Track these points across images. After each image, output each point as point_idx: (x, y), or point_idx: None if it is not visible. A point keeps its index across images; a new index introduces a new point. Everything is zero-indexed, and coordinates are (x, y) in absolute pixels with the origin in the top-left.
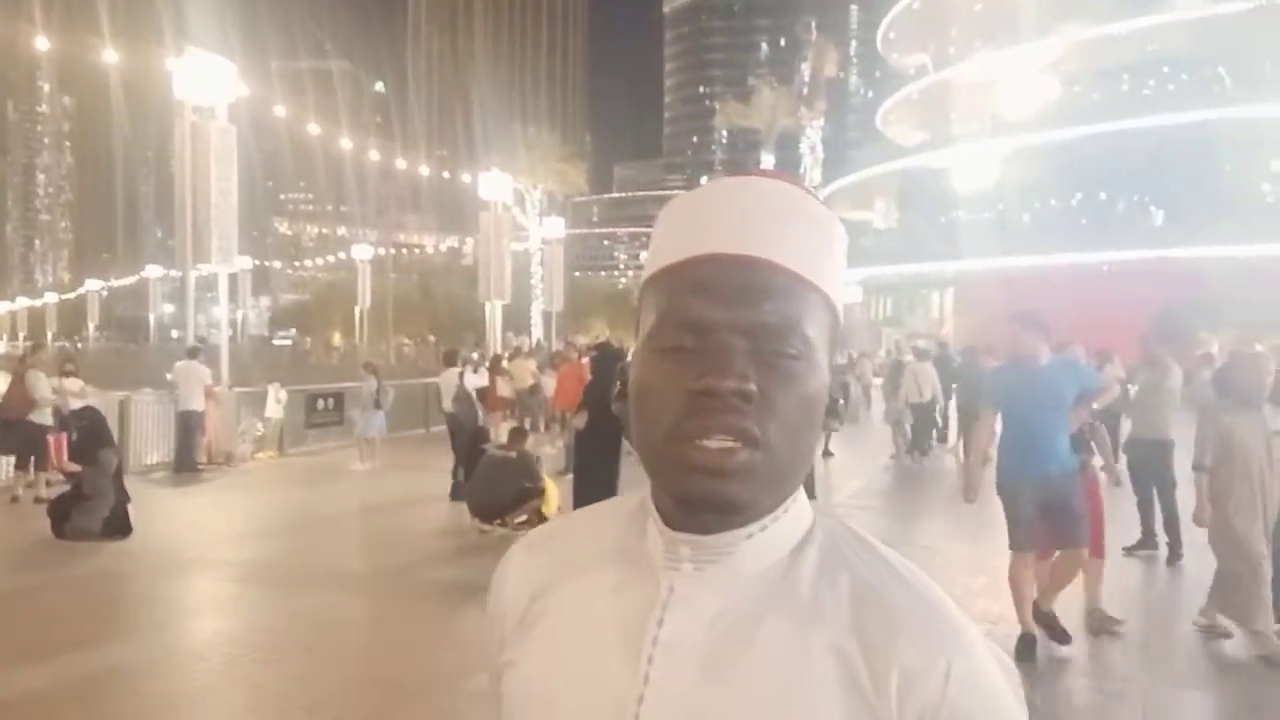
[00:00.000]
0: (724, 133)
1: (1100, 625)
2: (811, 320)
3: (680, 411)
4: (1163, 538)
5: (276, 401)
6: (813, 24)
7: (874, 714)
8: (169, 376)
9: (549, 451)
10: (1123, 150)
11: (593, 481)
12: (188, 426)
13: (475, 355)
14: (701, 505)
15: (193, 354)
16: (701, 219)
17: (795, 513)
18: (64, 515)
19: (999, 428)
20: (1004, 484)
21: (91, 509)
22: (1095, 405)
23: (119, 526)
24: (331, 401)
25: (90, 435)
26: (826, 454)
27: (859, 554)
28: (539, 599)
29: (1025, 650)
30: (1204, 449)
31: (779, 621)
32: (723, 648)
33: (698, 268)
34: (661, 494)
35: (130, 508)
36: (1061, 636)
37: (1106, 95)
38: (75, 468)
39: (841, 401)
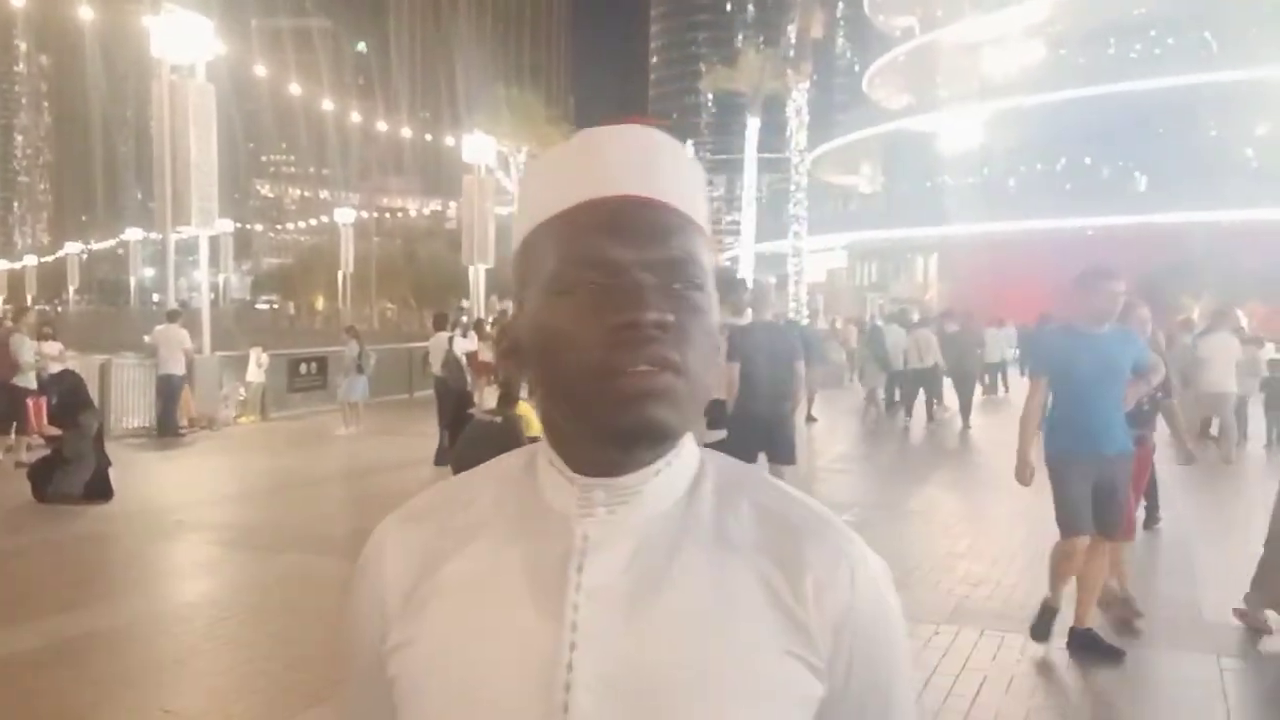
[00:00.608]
0: (709, 96)
1: (1123, 614)
2: (703, 255)
3: (603, 347)
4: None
5: (258, 365)
6: None
7: (798, 621)
8: (147, 339)
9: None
10: (1107, 114)
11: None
12: (169, 390)
13: (464, 320)
14: (635, 433)
15: (172, 317)
16: (588, 165)
17: (689, 450)
18: (45, 479)
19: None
20: (1054, 462)
21: (72, 472)
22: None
23: (100, 490)
24: (314, 366)
25: (70, 398)
26: (810, 419)
27: (752, 483)
28: (429, 574)
29: (1042, 627)
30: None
31: (693, 551)
32: (644, 585)
33: (596, 210)
34: (576, 439)
35: (111, 471)
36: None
37: (1092, 59)
38: (56, 431)
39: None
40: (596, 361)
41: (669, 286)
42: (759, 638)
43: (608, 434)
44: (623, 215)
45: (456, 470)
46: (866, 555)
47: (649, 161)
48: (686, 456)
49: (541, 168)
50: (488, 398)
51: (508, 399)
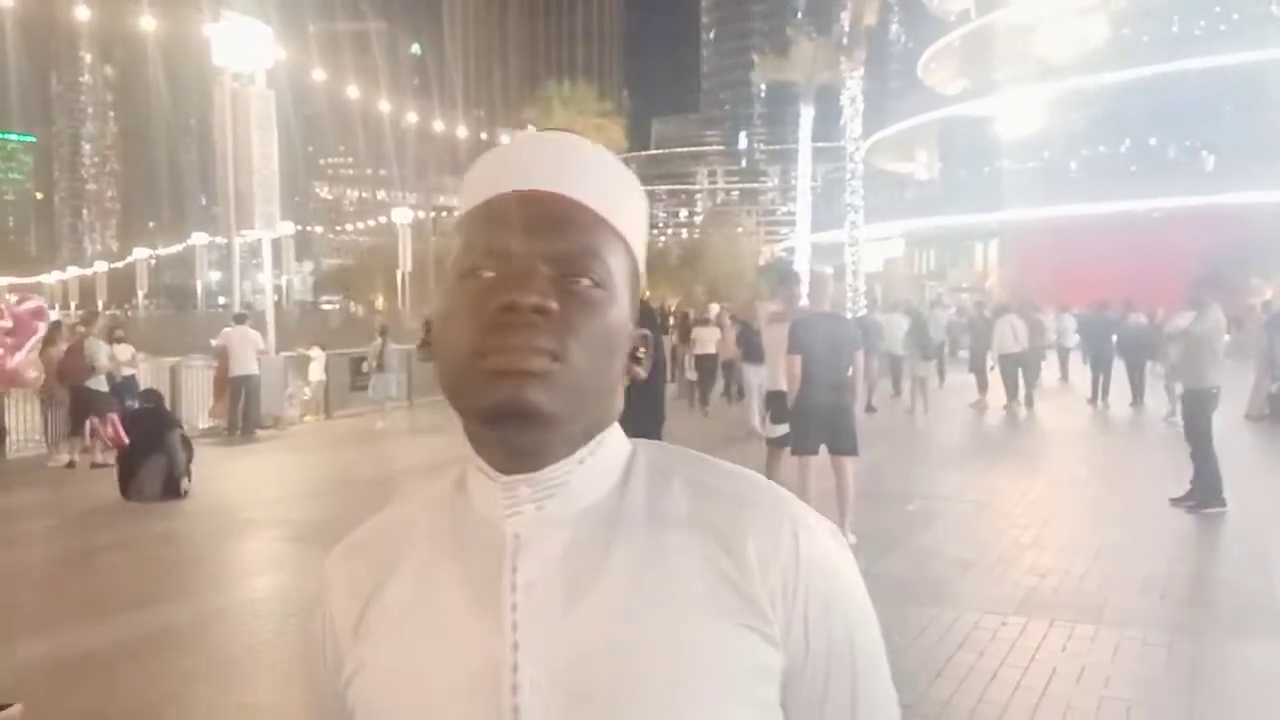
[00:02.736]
0: (762, 86)
1: None
2: (612, 255)
3: (482, 330)
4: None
5: (313, 360)
6: None
7: (743, 592)
8: (214, 343)
9: None
10: (1173, 93)
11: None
12: (246, 390)
13: None
14: (507, 411)
15: (240, 320)
16: (507, 162)
17: (617, 441)
18: (130, 474)
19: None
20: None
21: (155, 471)
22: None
23: (175, 487)
24: (376, 364)
25: (154, 419)
26: (870, 409)
27: (682, 462)
28: (374, 599)
29: None
30: None
31: (628, 536)
32: (581, 575)
33: (503, 202)
34: (478, 436)
35: (192, 467)
36: None
37: (1155, 36)
38: (126, 441)
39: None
40: (470, 342)
41: (562, 279)
42: (704, 614)
43: (476, 413)
44: (524, 208)
45: None
46: (808, 516)
47: (564, 161)
48: (614, 445)
49: (477, 164)
50: None
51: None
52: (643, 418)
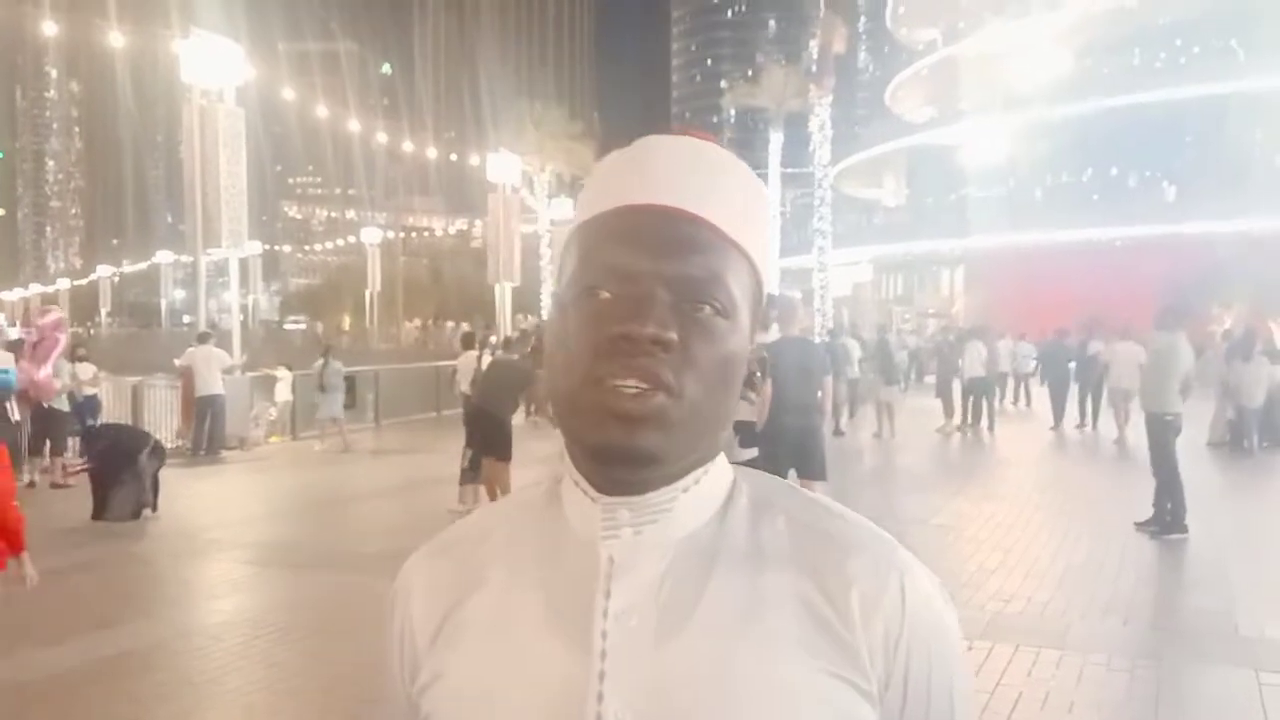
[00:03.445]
0: (732, 111)
1: None
2: (736, 280)
3: (597, 356)
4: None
5: (279, 380)
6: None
7: (842, 641)
8: (177, 363)
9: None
10: (1134, 124)
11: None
12: (211, 410)
13: (493, 339)
14: (616, 455)
15: (204, 339)
16: (631, 171)
17: (720, 468)
18: (103, 497)
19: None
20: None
21: (128, 494)
22: None
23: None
24: (319, 385)
25: (127, 439)
26: (838, 433)
27: (787, 498)
28: (457, 608)
29: None
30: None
31: (726, 572)
32: (675, 609)
33: (625, 217)
34: (581, 459)
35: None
36: None
37: (1117, 68)
38: (86, 466)
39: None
40: (585, 369)
41: (683, 305)
42: (798, 661)
43: (584, 446)
44: (647, 225)
45: (479, 403)
46: (915, 566)
47: (688, 173)
48: (718, 474)
49: (598, 168)
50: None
51: (523, 340)
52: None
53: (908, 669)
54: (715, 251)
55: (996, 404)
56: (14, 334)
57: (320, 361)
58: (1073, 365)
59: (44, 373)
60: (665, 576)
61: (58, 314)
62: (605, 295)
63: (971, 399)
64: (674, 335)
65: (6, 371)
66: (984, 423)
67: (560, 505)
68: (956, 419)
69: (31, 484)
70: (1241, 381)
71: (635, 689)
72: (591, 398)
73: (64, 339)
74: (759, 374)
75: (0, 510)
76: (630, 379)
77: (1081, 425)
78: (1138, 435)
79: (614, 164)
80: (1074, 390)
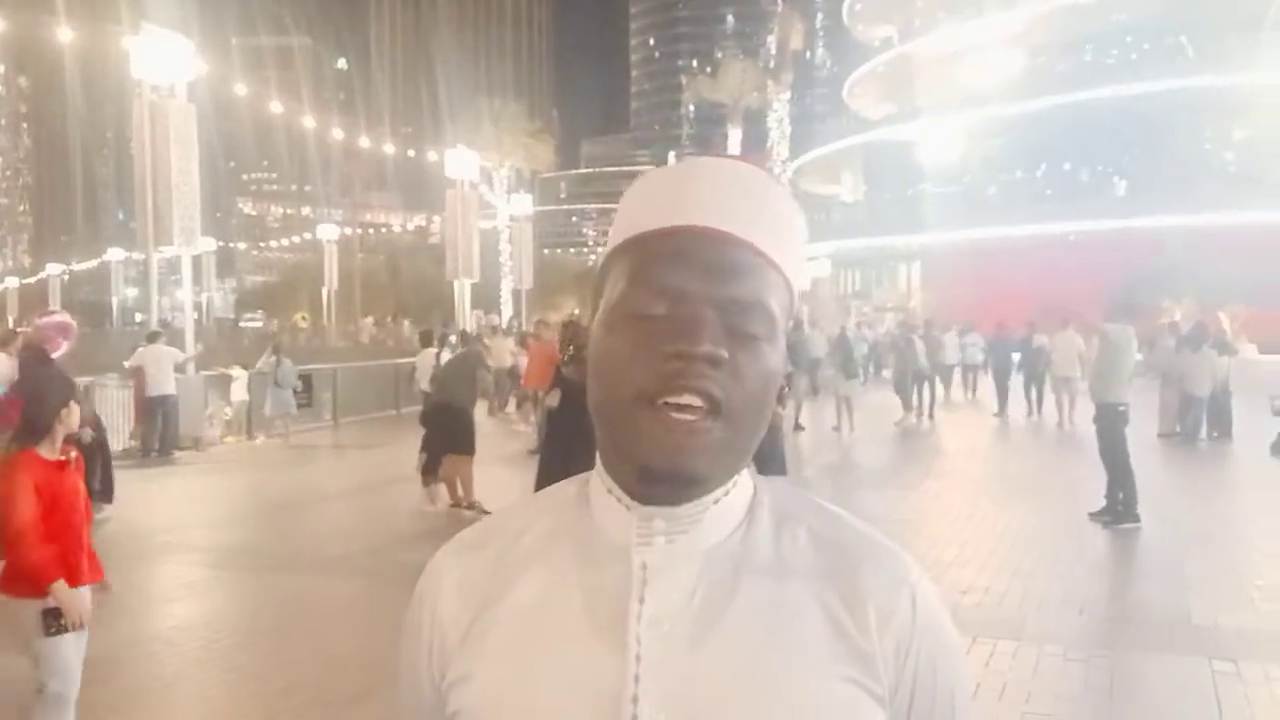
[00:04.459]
0: (691, 107)
1: None
2: (776, 301)
3: (650, 373)
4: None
5: (235, 380)
6: None
7: (859, 649)
8: (126, 365)
9: (522, 429)
10: (1086, 120)
11: (564, 459)
12: (163, 410)
13: (453, 338)
14: (664, 476)
15: (153, 338)
16: (679, 192)
17: (744, 479)
18: None
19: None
20: None
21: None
22: None
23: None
24: (300, 383)
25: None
26: (797, 428)
27: (807, 510)
28: (489, 608)
29: None
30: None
31: (754, 581)
32: (707, 615)
33: (675, 238)
34: (622, 472)
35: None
36: None
37: (1070, 66)
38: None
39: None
40: (639, 387)
41: (732, 325)
42: (822, 667)
43: (631, 465)
44: (696, 246)
45: (439, 398)
46: (923, 580)
47: (735, 196)
48: (742, 484)
49: (638, 187)
50: (552, 398)
51: (465, 336)
52: (570, 443)
53: (916, 674)
54: (759, 274)
55: (940, 393)
56: None
57: (271, 357)
58: (1017, 356)
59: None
60: (697, 585)
61: (62, 317)
62: (656, 315)
63: (906, 389)
64: (725, 353)
65: None
66: (926, 411)
67: (589, 509)
68: (916, 412)
69: None
70: (1189, 371)
71: (669, 692)
72: (645, 417)
73: (66, 346)
74: (786, 386)
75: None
76: (684, 396)
77: (1030, 414)
78: (1084, 423)
79: (657, 183)
80: (1020, 381)
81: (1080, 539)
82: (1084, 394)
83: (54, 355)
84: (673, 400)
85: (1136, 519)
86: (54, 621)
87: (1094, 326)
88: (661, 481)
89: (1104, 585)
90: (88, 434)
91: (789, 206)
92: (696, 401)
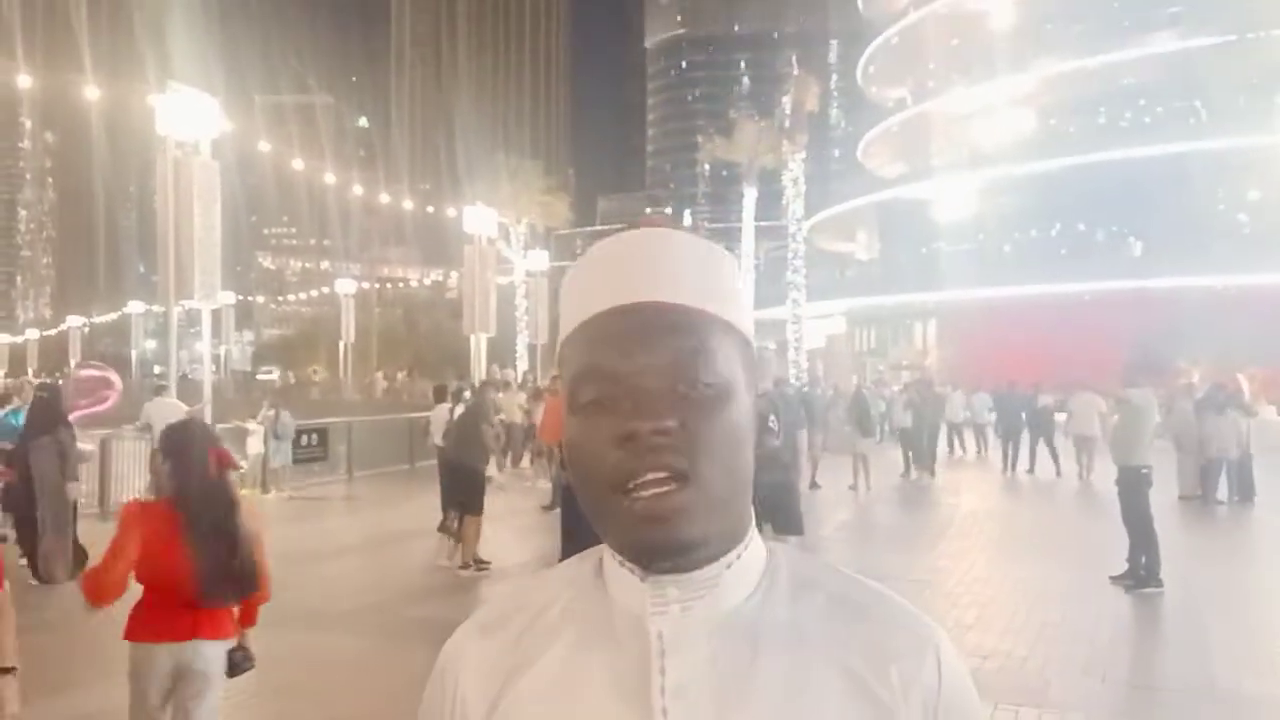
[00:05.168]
0: (706, 166)
1: None
2: (719, 349)
3: (611, 460)
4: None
5: (252, 433)
6: (794, 58)
7: (886, 710)
8: (136, 425)
9: (543, 485)
10: (1100, 181)
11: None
12: None
13: (467, 394)
14: (655, 553)
15: (159, 391)
16: (596, 279)
17: (755, 542)
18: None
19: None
20: None
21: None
22: None
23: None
24: (315, 437)
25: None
26: (814, 485)
27: (822, 574)
28: (511, 685)
29: None
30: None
31: (774, 648)
32: (730, 684)
33: (600, 323)
34: (615, 548)
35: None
36: None
37: (1082, 127)
38: None
39: (775, 421)
40: (605, 476)
41: (677, 390)
42: None
43: (626, 552)
44: (623, 325)
45: (450, 456)
46: (945, 641)
47: (657, 265)
48: (755, 548)
49: (570, 279)
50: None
51: (474, 389)
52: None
53: None
54: (694, 331)
55: (944, 452)
56: None
57: (270, 410)
58: (1024, 415)
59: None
60: (717, 653)
61: (105, 372)
62: (602, 401)
63: (905, 447)
64: (672, 422)
65: (16, 413)
66: (913, 471)
67: (604, 581)
68: (913, 470)
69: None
70: (1214, 434)
71: None
72: (619, 505)
73: (113, 398)
74: (773, 417)
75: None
76: (647, 473)
77: (1030, 470)
78: (1102, 483)
79: (580, 275)
80: (1027, 439)
81: (1102, 603)
82: (1104, 453)
83: (99, 409)
84: (638, 483)
85: (1159, 583)
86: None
87: (1114, 393)
88: (657, 556)
89: (1127, 651)
90: None
91: (707, 254)
92: (661, 476)
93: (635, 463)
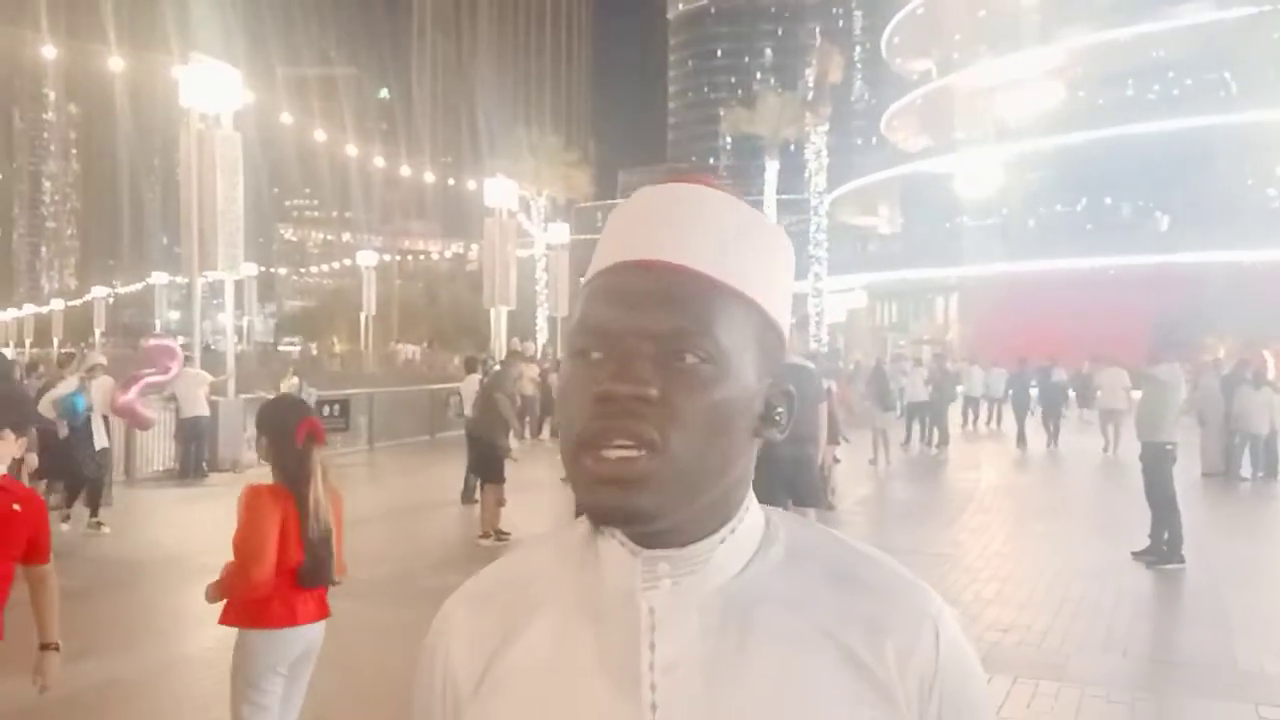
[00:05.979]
0: (728, 139)
1: None
2: (726, 324)
3: (585, 417)
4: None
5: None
6: (817, 29)
7: (881, 687)
8: (165, 392)
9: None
10: (1127, 155)
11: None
12: (195, 433)
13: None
14: (612, 517)
15: (184, 361)
16: (619, 229)
17: (753, 511)
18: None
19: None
20: None
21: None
22: None
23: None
24: (338, 407)
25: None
26: (834, 460)
27: (821, 543)
28: (500, 656)
29: None
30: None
31: (767, 622)
32: (721, 658)
33: (609, 276)
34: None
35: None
36: None
37: (1111, 100)
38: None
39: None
40: (578, 434)
41: (666, 357)
42: (844, 706)
43: (587, 511)
44: (627, 281)
45: (471, 428)
46: (944, 612)
47: (678, 223)
48: (751, 518)
49: (608, 223)
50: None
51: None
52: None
53: (940, 710)
54: (700, 299)
55: (949, 426)
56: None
57: (294, 379)
58: (1034, 391)
59: (126, 397)
60: (708, 628)
61: (170, 343)
62: (595, 356)
63: (916, 420)
64: (654, 391)
65: (75, 395)
66: (930, 441)
67: (595, 551)
68: (953, 444)
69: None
70: (1244, 410)
71: None
72: (583, 463)
73: (175, 369)
74: (781, 409)
75: None
76: (614, 439)
77: (1049, 445)
78: (1127, 457)
79: (610, 222)
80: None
81: (1123, 578)
82: (1130, 427)
83: (162, 378)
84: (605, 445)
85: (1181, 560)
86: None
87: (1140, 372)
88: (613, 521)
89: (1148, 627)
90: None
91: (738, 219)
92: (627, 442)
93: (604, 424)
